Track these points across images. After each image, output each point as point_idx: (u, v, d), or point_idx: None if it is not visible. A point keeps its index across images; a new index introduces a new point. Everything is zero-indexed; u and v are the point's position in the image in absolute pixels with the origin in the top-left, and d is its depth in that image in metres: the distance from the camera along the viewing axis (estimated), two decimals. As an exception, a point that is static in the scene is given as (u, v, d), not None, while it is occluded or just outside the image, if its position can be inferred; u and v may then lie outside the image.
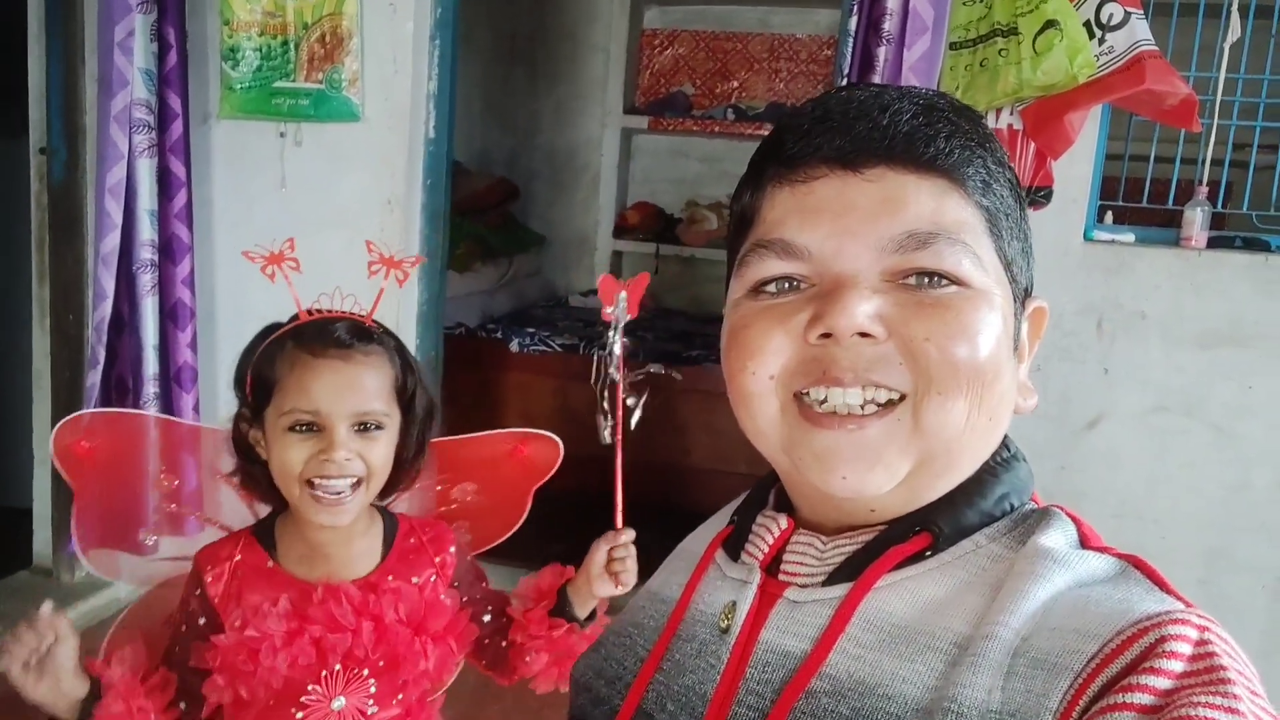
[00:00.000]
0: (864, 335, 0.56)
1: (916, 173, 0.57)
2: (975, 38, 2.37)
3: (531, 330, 3.89)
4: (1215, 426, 2.49)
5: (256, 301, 2.92)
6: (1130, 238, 2.54)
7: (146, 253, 2.57)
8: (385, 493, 1.13)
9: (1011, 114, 2.41)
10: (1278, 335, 2.42)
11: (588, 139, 5.07)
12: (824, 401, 0.57)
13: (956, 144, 0.58)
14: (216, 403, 2.85)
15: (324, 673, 1.06)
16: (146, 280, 2.58)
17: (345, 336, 1.07)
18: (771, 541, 0.64)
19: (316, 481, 1.04)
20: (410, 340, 2.75)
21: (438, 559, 1.15)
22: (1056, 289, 2.53)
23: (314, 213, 2.72)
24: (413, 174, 2.70)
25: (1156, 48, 2.20)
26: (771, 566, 0.64)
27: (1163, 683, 0.45)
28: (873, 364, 0.56)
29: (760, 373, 0.59)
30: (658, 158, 5.13)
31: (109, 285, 2.52)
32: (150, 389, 2.61)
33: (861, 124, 0.58)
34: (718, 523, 0.74)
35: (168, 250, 2.62)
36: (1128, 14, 2.19)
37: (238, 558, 1.10)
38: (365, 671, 1.07)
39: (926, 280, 0.57)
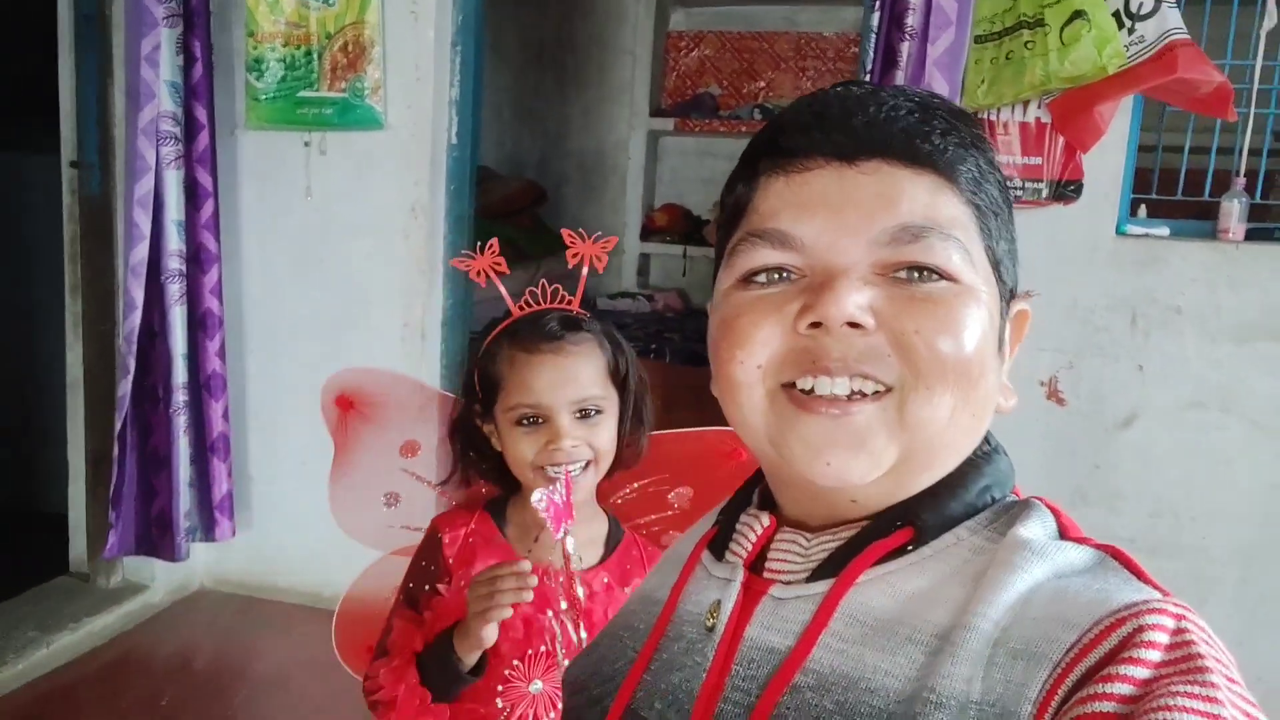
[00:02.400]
0: (854, 326, 0.56)
1: (911, 168, 0.58)
2: (1001, 30, 2.33)
3: (559, 334, 3.90)
4: (1253, 422, 2.43)
5: (284, 310, 2.97)
6: (1164, 231, 2.49)
7: (175, 263, 2.61)
8: (612, 471, 1.19)
9: (1039, 107, 2.37)
10: (1319, 329, 2.36)
11: (615, 141, 5.07)
12: (811, 390, 0.58)
13: (951, 142, 0.59)
14: (245, 410, 2.89)
15: (529, 652, 1.11)
16: (175, 290, 2.61)
17: (556, 329, 1.13)
18: (754, 540, 0.65)
19: (549, 469, 1.11)
20: (436, 345, 2.76)
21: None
22: (1088, 284, 2.48)
23: (340, 220, 2.75)
24: (436, 180, 2.72)
25: (1189, 36, 2.15)
26: (756, 565, 0.64)
27: (1141, 672, 0.46)
28: (862, 355, 0.56)
29: (749, 362, 0.59)
30: (685, 159, 5.12)
31: (139, 295, 2.56)
32: (180, 397, 2.65)
33: (859, 118, 0.59)
34: (705, 525, 0.75)
35: (196, 260, 2.66)
36: (1158, 2, 2.15)
37: (472, 526, 1.18)
38: (567, 662, 1.08)
39: (917, 274, 0.57)
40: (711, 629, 0.63)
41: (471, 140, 2.80)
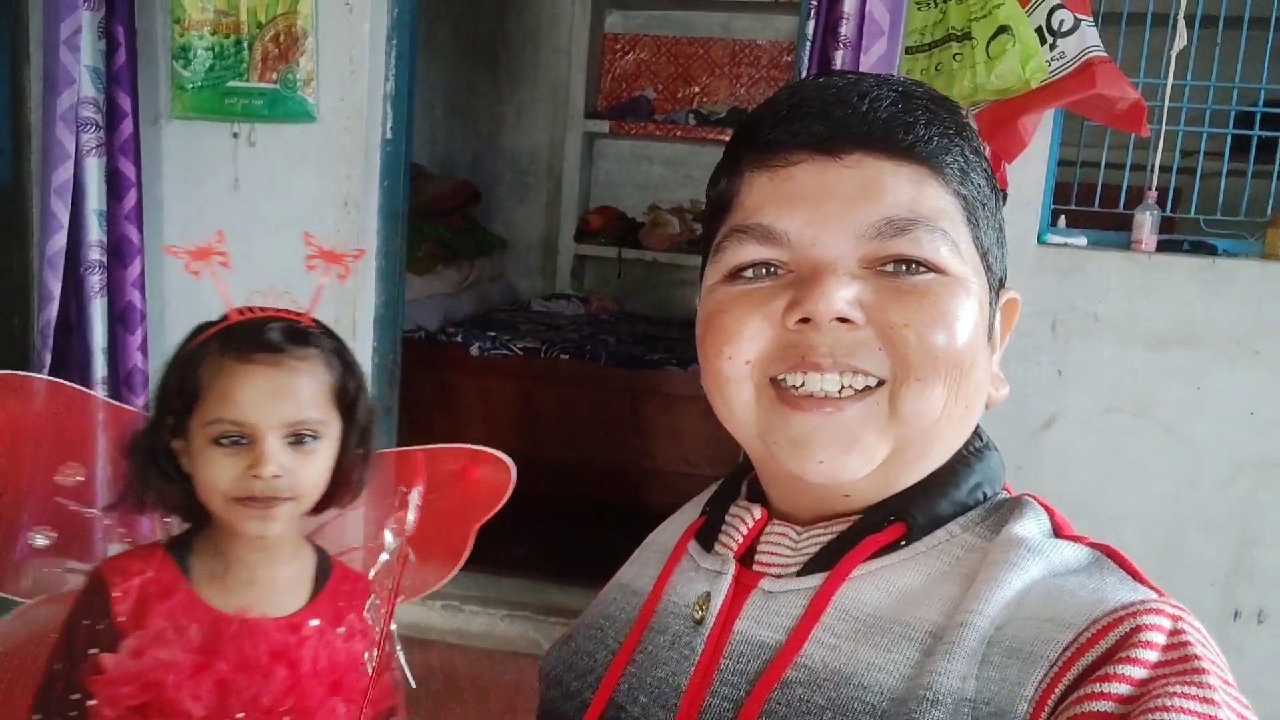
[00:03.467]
0: (843, 321, 0.56)
1: (895, 160, 0.57)
2: (930, 42, 2.39)
3: (493, 334, 3.87)
4: (1165, 426, 2.53)
5: (209, 304, 2.85)
6: (1082, 241, 2.58)
7: (95, 254, 2.51)
8: (321, 507, 1.04)
9: (967, 117, 2.43)
10: (1225, 336, 2.47)
11: (550, 142, 5.05)
12: (800, 386, 0.57)
13: (935, 132, 0.58)
14: (168, 407, 2.80)
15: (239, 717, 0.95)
16: (95, 282, 2.52)
17: (277, 339, 0.98)
18: (745, 532, 0.64)
19: (244, 499, 0.96)
20: (368, 344, 2.72)
21: (357, 615, 1.05)
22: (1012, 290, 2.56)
23: (268, 214, 2.68)
24: (369, 175, 2.67)
25: (1106, 54, 2.24)
26: (745, 557, 0.63)
27: (1138, 672, 0.46)
28: (851, 350, 0.56)
29: (737, 358, 0.59)
30: (620, 162, 5.13)
31: (55, 287, 2.46)
32: (99, 393, 2.55)
33: (839, 110, 0.58)
34: (689, 514, 0.73)
35: (117, 252, 2.56)
36: (1078, 20, 2.23)
37: (149, 574, 0.98)
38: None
39: (905, 267, 0.57)
40: (700, 622, 0.61)
41: (405, 136, 2.76)
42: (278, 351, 0.97)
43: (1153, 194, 2.53)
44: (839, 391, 0.56)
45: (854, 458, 0.57)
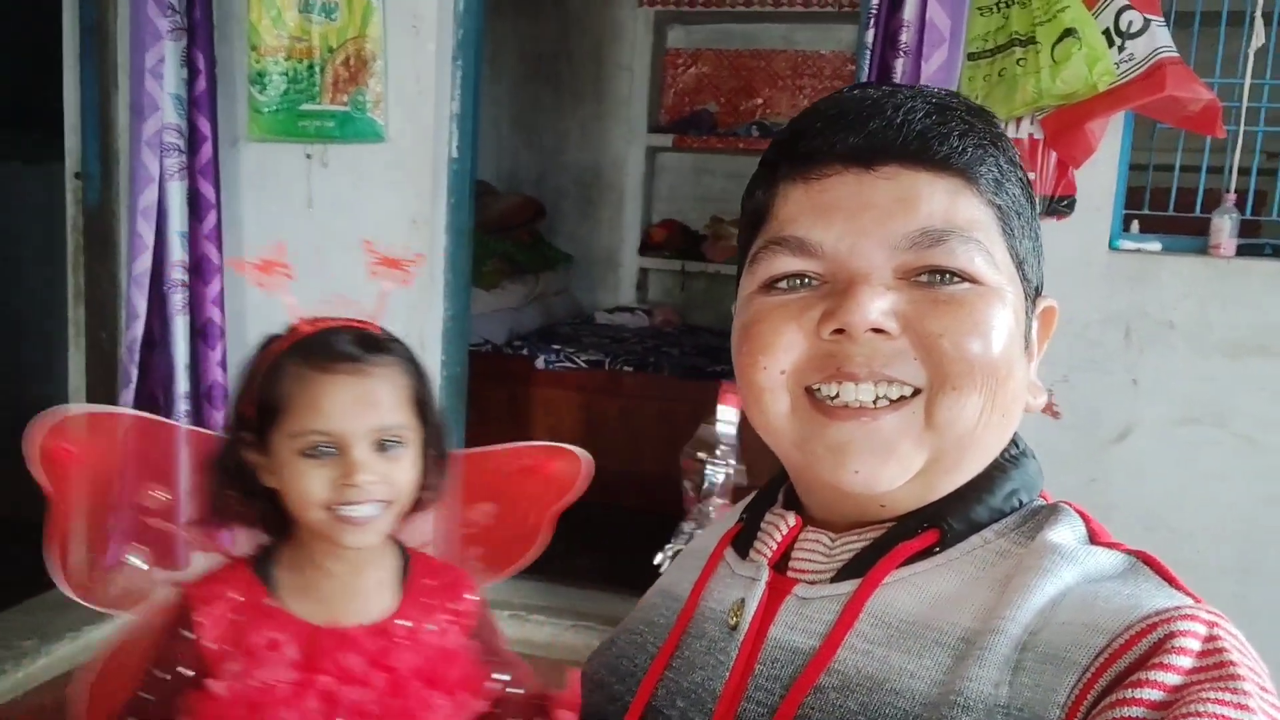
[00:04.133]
0: (878, 331, 0.56)
1: (930, 171, 0.57)
2: (993, 48, 2.36)
3: (557, 347, 3.91)
4: (1245, 437, 2.44)
5: (285, 320, 2.97)
6: (1157, 246, 2.52)
7: (177, 273, 2.62)
8: (409, 512, 1.04)
9: (1032, 123, 2.40)
10: (1309, 344, 2.38)
11: (613, 158, 5.10)
12: (835, 397, 0.57)
13: (970, 142, 0.58)
14: (245, 420, 2.90)
15: None
16: (178, 300, 2.63)
17: (354, 348, 0.98)
18: (780, 539, 0.64)
19: (339, 509, 0.95)
20: (435, 357, 2.78)
21: (454, 605, 1.05)
22: (1081, 299, 2.51)
23: (340, 232, 2.76)
24: (437, 193, 2.74)
25: (1177, 54, 2.18)
26: (780, 564, 0.64)
27: (1172, 678, 0.45)
28: (887, 360, 0.56)
29: (772, 368, 0.59)
30: (682, 175, 5.15)
31: (141, 305, 2.57)
32: (181, 406, 2.66)
33: (875, 122, 0.58)
34: (728, 521, 0.74)
35: (198, 270, 2.67)
36: (1147, 21, 2.18)
37: (234, 595, 0.99)
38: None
39: (940, 278, 0.57)
40: (735, 627, 0.62)
41: (471, 154, 2.82)
42: (357, 360, 0.97)
43: (1231, 197, 2.46)
44: (874, 402, 0.57)
45: (891, 467, 0.57)
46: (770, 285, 0.61)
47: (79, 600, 1.14)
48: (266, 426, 0.97)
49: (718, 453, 1.07)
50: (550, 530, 1.22)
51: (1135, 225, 2.56)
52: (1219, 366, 2.45)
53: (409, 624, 1.00)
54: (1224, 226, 2.44)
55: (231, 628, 0.96)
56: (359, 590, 1.01)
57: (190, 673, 0.96)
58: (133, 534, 1.14)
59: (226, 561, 1.03)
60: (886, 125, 0.58)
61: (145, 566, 1.14)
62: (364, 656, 0.96)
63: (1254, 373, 2.42)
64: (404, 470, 0.98)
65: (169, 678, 0.97)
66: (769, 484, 0.72)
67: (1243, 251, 2.45)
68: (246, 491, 1.00)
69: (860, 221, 0.57)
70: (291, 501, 0.96)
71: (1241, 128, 2.42)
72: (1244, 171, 2.48)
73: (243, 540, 1.09)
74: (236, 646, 0.95)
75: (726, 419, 1.08)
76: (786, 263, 0.59)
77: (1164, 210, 2.57)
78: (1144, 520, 2.50)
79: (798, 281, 0.60)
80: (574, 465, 1.20)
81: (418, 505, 1.04)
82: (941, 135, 0.58)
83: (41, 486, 1.08)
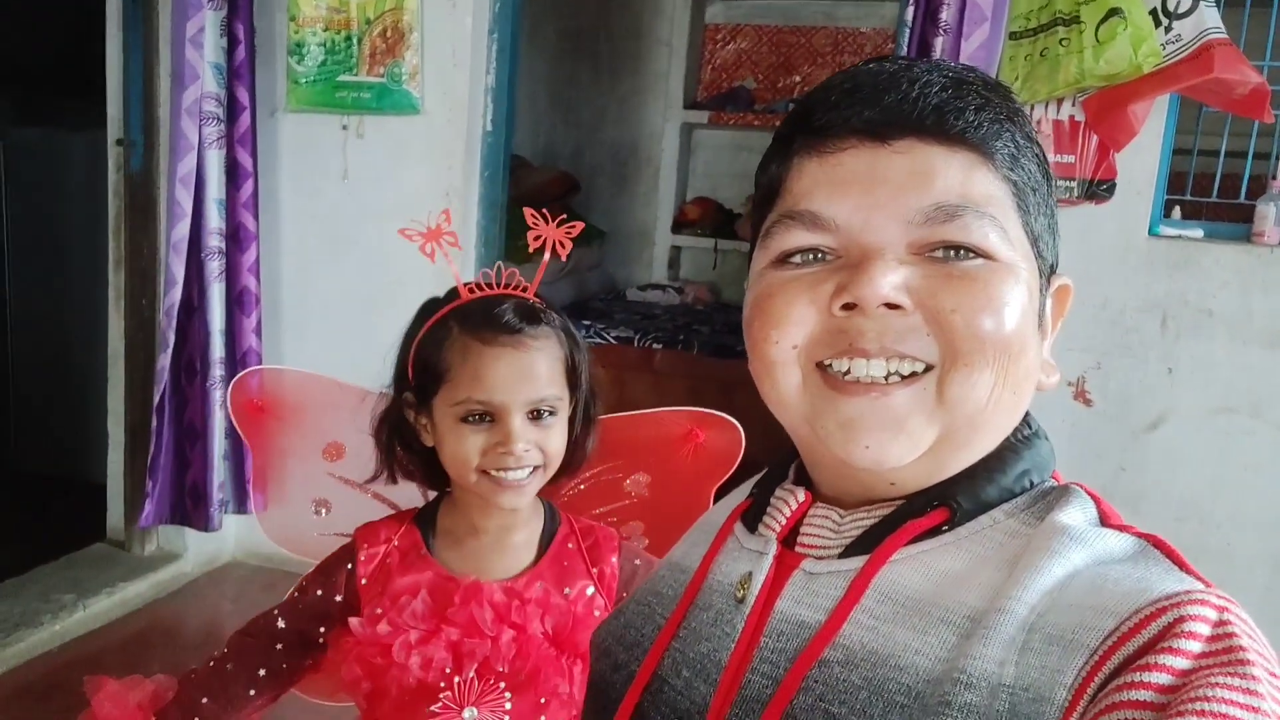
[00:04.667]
0: (891, 307, 0.56)
1: (945, 145, 0.57)
2: (1036, 27, 2.32)
3: (588, 322, 3.92)
4: (1282, 428, 2.40)
5: (320, 289, 3.02)
6: (1198, 233, 2.47)
7: (214, 240, 2.66)
8: (559, 475, 1.09)
9: (1073, 104, 2.36)
10: (1354, 335, 2.33)
11: (650, 133, 5.07)
12: (847, 373, 0.57)
13: (986, 117, 0.58)
14: (279, 387, 2.94)
15: (457, 679, 1.00)
16: (214, 267, 2.67)
17: (515, 320, 1.01)
18: (789, 514, 0.64)
19: (494, 472, 1.01)
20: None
21: (595, 570, 1.09)
22: (1119, 284, 2.47)
23: (375, 203, 2.79)
24: (471, 166, 2.75)
25: (1226, 36, 2.13)
26: (789, 539, 0.64)
27: (1181, 663, 0.45)
28: (899, 335, 0.56)
29: (784, 342, 0.59)
30: (719, 152, 5.11)
31: (179, 272, 2.62)
32: (217, 372, 2.71)
33: (890, 96, 0.57)
34: (738, 496, 0.74)
35: (235, 238, 2.71)
36: (1196, 1, 2.13)
37: (395, 541, 1.06)
38: (502, 685, 1.01)
39: (953, 253, 0.56)
40: (742, 600, 0.62)
41: (506, 128, 2.83)
42: (517, 332, 1.01)
43: (1277, 183, 2.40)
44: (885, 378, 0.56)
45: (901, 443, 0.57)
46: (783, 259, 0.60)
47: (277, 544, 1.25)
48: (428, 390, 1.03)
49: None
50: (710, 505, 1.24)
51: (1177, 211, 2.51)
52: (1257, 356, 2.40)
53: (540, 585, 1.05)
54: (1269, 214, 2.38)
55: (382, 569, 1.04)
56: (505, 548, 1.07)
57: (339, 599, 1.05)
58: (321, 490, 1.22)
59: (396, 513, 1.13)
60: (902, 99, 0.57)
61: (322, 515, 1.23)
62: (495, 611, 1.01)
63: (1294, 364, 2.37)
64: (555, 437, 1.03)
65: (320, 595, 1.05)
66: (778, 460, 0.72)
67: (1287, 240, 2.40)
68: (408, 448, 1.08)
69: (874, 195, 0.57)
70: (448, 463, 1.03)
71: (1291, 112, 2.35)
72: (1292, 158, 2.43)
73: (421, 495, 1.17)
74: (384, 588, 1.03)
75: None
76: (800, 237, 0.59)
77: (1207, 196, 2.51)
78: (1175, 510, 2.47)
79: (811, 256, 0.59)
80: (731, 435, 1.24)
81: (569, 467, 1.09)
82: (958, 109, 0.57)
83: (243, 439, 1.22)
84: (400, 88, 2.66)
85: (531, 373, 1.00)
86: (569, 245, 1.07)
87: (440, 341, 1.02)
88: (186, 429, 2.76)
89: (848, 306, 0.56)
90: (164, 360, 2.67)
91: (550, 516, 1.11)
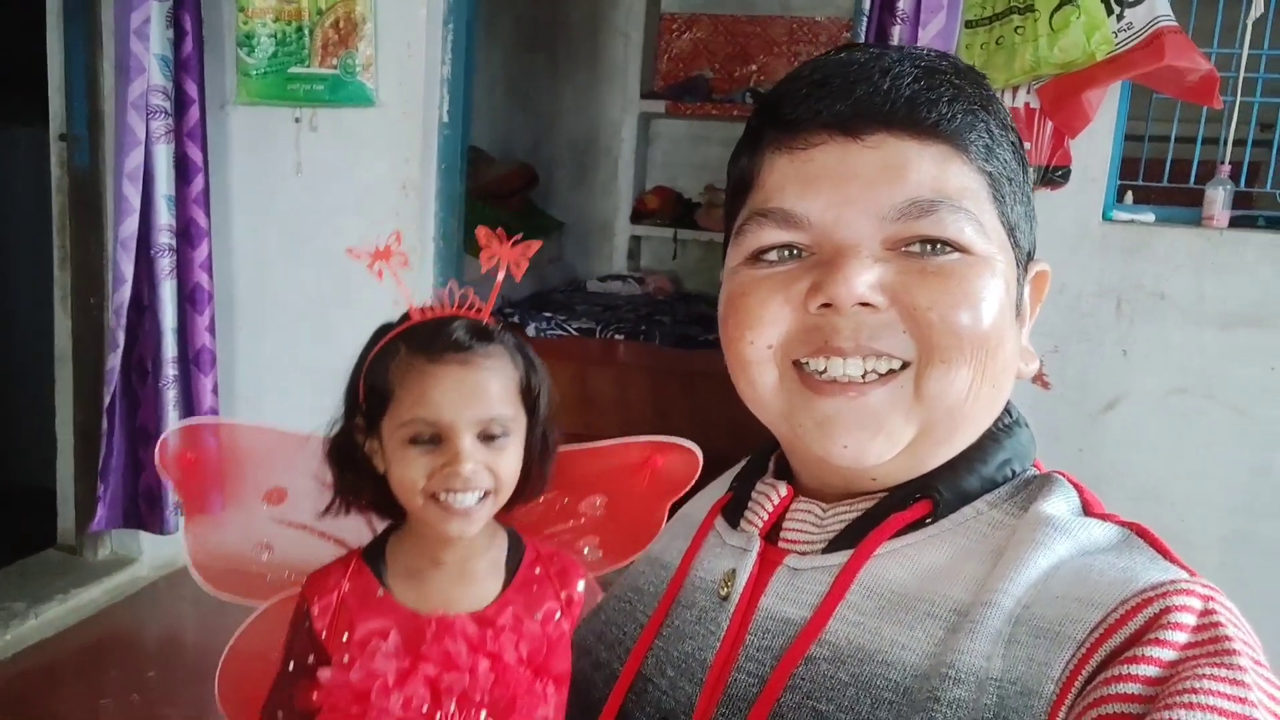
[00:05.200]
0: (865, 305, 0.55)
1: (918, 139, 0.56)
2: (991, 15, 2.34)
3: (549, 315, 3.90)
4: (1236, 408, 2.45)
5: (275, 285, 2.97)
6: (1150, 218, 2.51)
7: (164, 237, 2.60)
8: (512, 503, 1.05)
9: (1029, 92, 2.38)
10: (1301, 316, 2.38)
11: (608, 124, 5.05)
12: (824, 372, 0.57)
13: (959, 108, 0.57)
14: (234, 385, 2.89)
15: (439, 714, 0.97)
16: (165, 264, 2.61)
17: (463, 337, 0.98)
18: (771, 509, 0.64)
19: (442, 496, 0.96)
20: (426, 324, 2.76)
21: (563, 594, 1.06)
22: (1074, 269, 2.50)
23: (330, 198, 2.74)
24: (428, 158, 2.71)
25: (1176, 24, 2.16)
26: (771, 534, 0.63)
27: (1167, 654, 0.45)
28: (875, 333, 0.55)
29: (759, 341, 0.58)
30: (677, 142, 5.11)
31: (128, 269, 2.55)
32: (169, 371, 2.65)
33: (861, 88, 0.56)
34: (718, 489, 0.73)
35: (186, 235, 2.65)
36: (1146, -11, 2.16)
37: (346, 586, 1.01)
38: (483, 714, 0.99)
39: (929, 248, 0.56)
40: (726, 598, 0.61)
41: (463, 119, 2.79)
42: (465, 350, 0.97)
43: (1225, 168, 2.45)
44: (862, 376, 0.56)
45: (879, 441, 0.56)
46: (757, 257, 0.60)
47: (211, 590, 1.19)
48: (376, 413, 0.99)
49: None
50: (663, 520, 1.22)
51: (1129, 196, 2.55)
52: (1210, 338, 2.45)
53: (514, 611, 1.01)
54: (1218, 198, 2.43)
55: (339, 616, 0.99)
56: (467, 578, 1.03)
57: (311, 660, 0.99)
58: (265, 533, 1.17)
59: (342, 554, 1.07)
60: (873, 91, 0.56)
61: (265, 558, 1.18)
62: (469, 644, 0.98)
63: (1245, 344, 2.42)
64: (508, 459, 0.99)
65: (293, 667, 1.00)
66: (757, 453, 0.71)
67: (1236, 223, 2.45)
68: (361, 476, 1.03)
69: (846, 192, 0.56)
70: (396, 487, 0.98)
71: (1238, 99, 2.40)
72: (1239, 143, 2.47)
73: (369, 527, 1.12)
74: (348, 634, 0.98)
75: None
76: (772, 234, 0.58)
77: (1158, 181, 2.55)
78: (1132, 491, 2.52)
79: (785, 253, 0.59)
80: (687, 460, 1.22)
81: (523, 495, 1.05)
82: (930, 101, 0.56)
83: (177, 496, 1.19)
84: (354, 79, 2.62)
85: (481, 390, 0.97)
86: (524, 266, 1.03)
87: (387, 363, 0.99)
88: (139, 430, 2.70)
89: (825, 305, 0.56)
90: (114, 360, 2.60)
91: (515, 542, 1.08)
